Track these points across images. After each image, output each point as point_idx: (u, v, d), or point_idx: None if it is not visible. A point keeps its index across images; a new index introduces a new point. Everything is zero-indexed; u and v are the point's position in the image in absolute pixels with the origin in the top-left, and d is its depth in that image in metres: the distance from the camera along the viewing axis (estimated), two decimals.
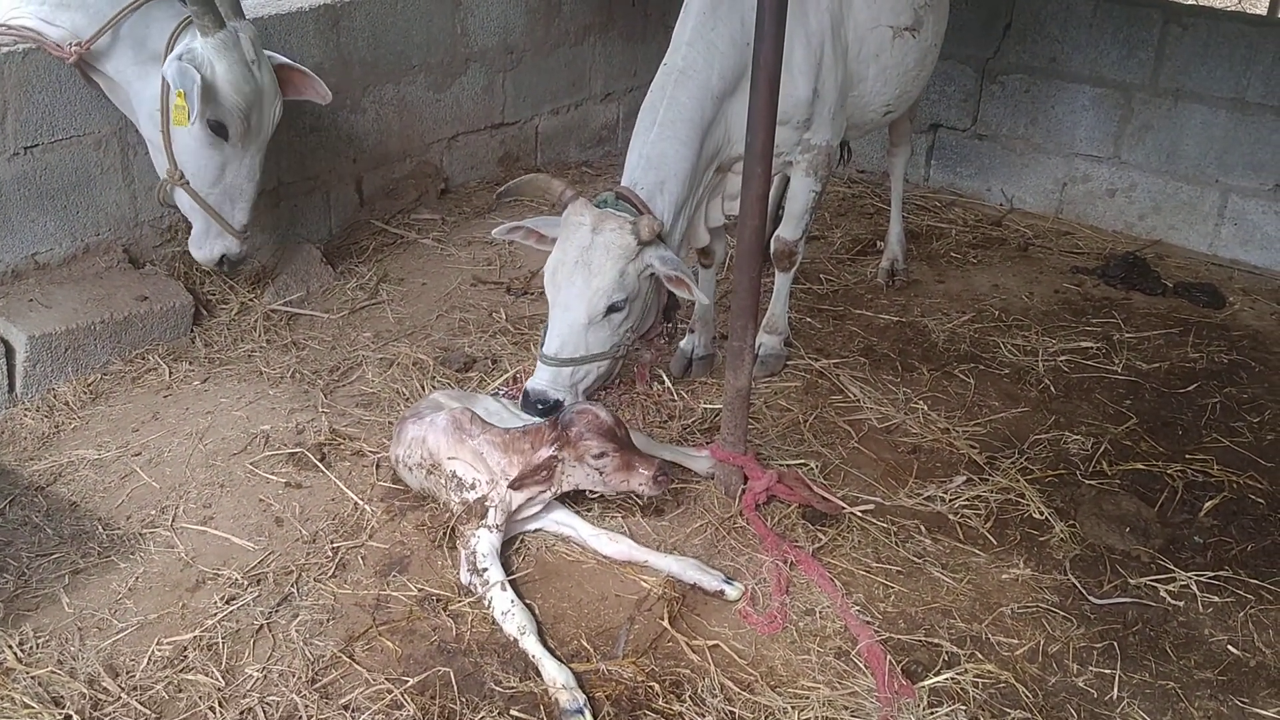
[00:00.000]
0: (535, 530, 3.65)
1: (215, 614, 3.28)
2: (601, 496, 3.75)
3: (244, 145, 4.10)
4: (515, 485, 3.42)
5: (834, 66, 4.20)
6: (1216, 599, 3.52)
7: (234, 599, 3.35)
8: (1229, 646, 3.35)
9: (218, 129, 4.05)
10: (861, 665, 3.18)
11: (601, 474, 3.45)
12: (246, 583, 3.41)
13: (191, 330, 4.71)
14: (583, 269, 3.70)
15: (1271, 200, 5.84)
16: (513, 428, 3.59)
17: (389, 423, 4.14)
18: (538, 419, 3.67)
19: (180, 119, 3.95)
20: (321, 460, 3.97)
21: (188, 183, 4.22)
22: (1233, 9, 6.18)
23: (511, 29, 6.32)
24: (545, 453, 3.43)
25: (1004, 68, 6.45)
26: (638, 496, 3.67)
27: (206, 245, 4.40)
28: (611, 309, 3.75)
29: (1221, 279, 5.76)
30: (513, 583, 3.37)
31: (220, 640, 3.19)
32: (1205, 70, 5.86)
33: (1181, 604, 3.50)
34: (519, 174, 6.36)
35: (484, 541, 3.41)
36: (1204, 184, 6.02)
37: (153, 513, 3.70)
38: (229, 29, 3.99)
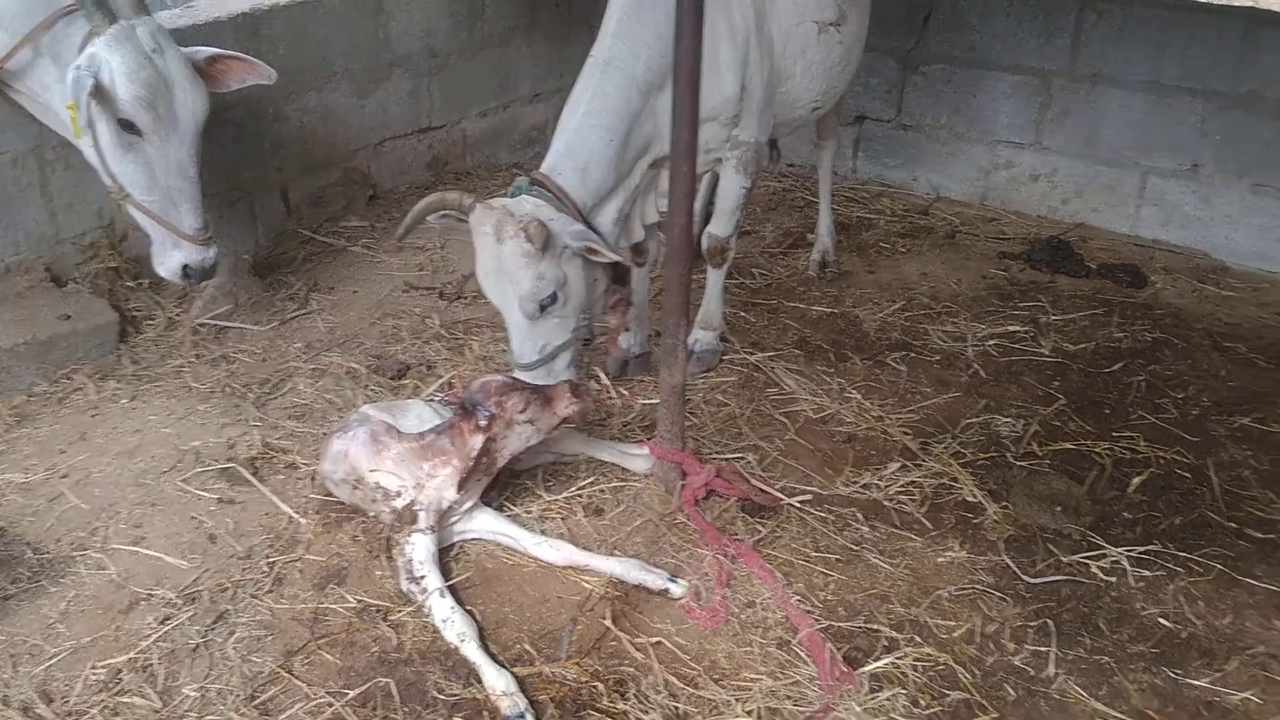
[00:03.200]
0: (473, 539, 3.63)
1: (150, 635, 3.23)
2: (538, 498, 3.76)
3: (162, 138, 3.99)
4: (464, 485, 3.43)
5: (760, 63, 4.23)
6: (1147, 573, 3.60)
7: (169, 619, 3.30)
8: (1160, 619, 3.42)
9: (127, 126, 3.95)
10: (803, 654, 3.21)
11: (534, 424, 3.51)
12: (181, 602, 3.36)
13: (118, 348, 4.63)
14: (503, 277, 3.74)
15: (1189, 180, 5.97)
16: (426, 430, 3.57)
17: (322, 434, 4.10)
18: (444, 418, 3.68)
19: (77, 131, 3.87)
20: (254, 474, 3.92)
21: (130, 196, 4.13)
22: None
23: (435, 33, 6.28)
24: (478, 441, 3.43)
25: (925, 58, 6.53)
26: (571, 422, 3.67)
27: (166, 258, 4.29)
28: (544, 305, 3.77)
29: (1143, 259, 5.88)
30: (452, 589, 3.35)
31: (156, 661, 3.14)
32: (1121, 55, 5.97)
33: (1113, 579, 3.57)
34: (448, 178, 6.41)
35: (419, 548, 3.39)
36: (1124, 166, 6.13)
37: (83, 535, 3.64)
38: (122, 24, 3.91)
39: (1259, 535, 3.79)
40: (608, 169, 3.94)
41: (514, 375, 3.73)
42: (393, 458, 3.51)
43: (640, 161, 4.10)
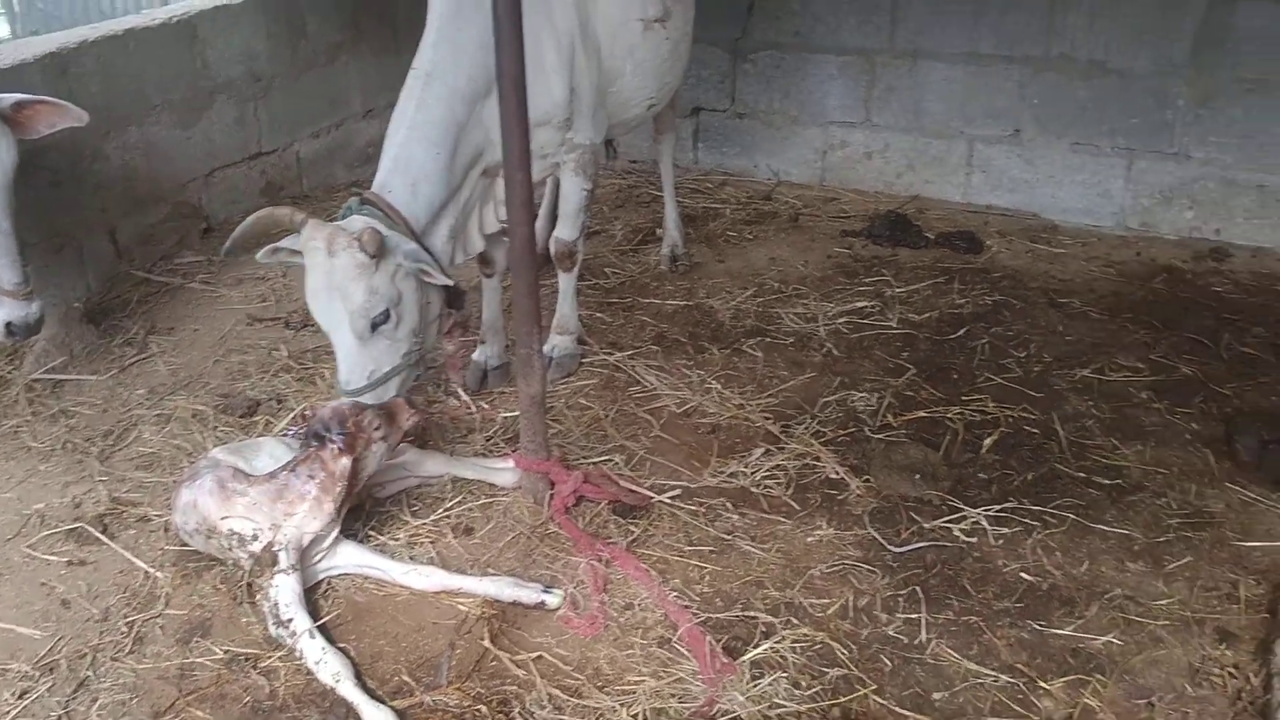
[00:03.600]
0: (340, 575, 3.55)
1: (8, 712, 3.06)
2: (405, 524, 3.70)
3: None
4: (339, 508, 3.38)
5: (588, 65, 4.22)
6: (1006, 530, 3.71)
7: (26, 693, 3.13)
8: (1022, 574, 3.53)
9: None
10: (684, 650, 3.22)
11: (386, 441, 3.50)
12: (38, 674, 3.20)
13: None
14: (334, 294, 3.62)
15: (1012, 144, 6.20)
16: (276, 470, 3.47)
17: (172, 482, 3.95)
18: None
19: None
20: (104, 532, 3.76)
21: None
22: None
23: (256, 56, 6.12)
24: (345, 462, 3.37)
25: (753, 46, 6.63)
26: (412, 435, 3.68)
27: None
28: (376, 323, 3.67)
29: (978, 225, 6.08)
30: (323, 628, 3.27)
31: None
32: (939, 28, 6.16)
33: (974, 540, 3.68)
34: (285, 203, 6.20)
35: (283, 590, 3.29)
36: (950, 137, 6.34)
37: None
38: None
39: (1106, 482, 3.95)
40: (438, 183, 3.88)
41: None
42: (244, 503, 3.40)
43: (472, 171, 4.05)
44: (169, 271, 5.62)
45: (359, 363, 3.72)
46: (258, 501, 3.38)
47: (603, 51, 4.34)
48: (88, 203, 5.27)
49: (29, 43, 5.10)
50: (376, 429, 3.44)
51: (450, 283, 3.82)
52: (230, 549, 3.43)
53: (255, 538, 3.37)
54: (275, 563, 3.33)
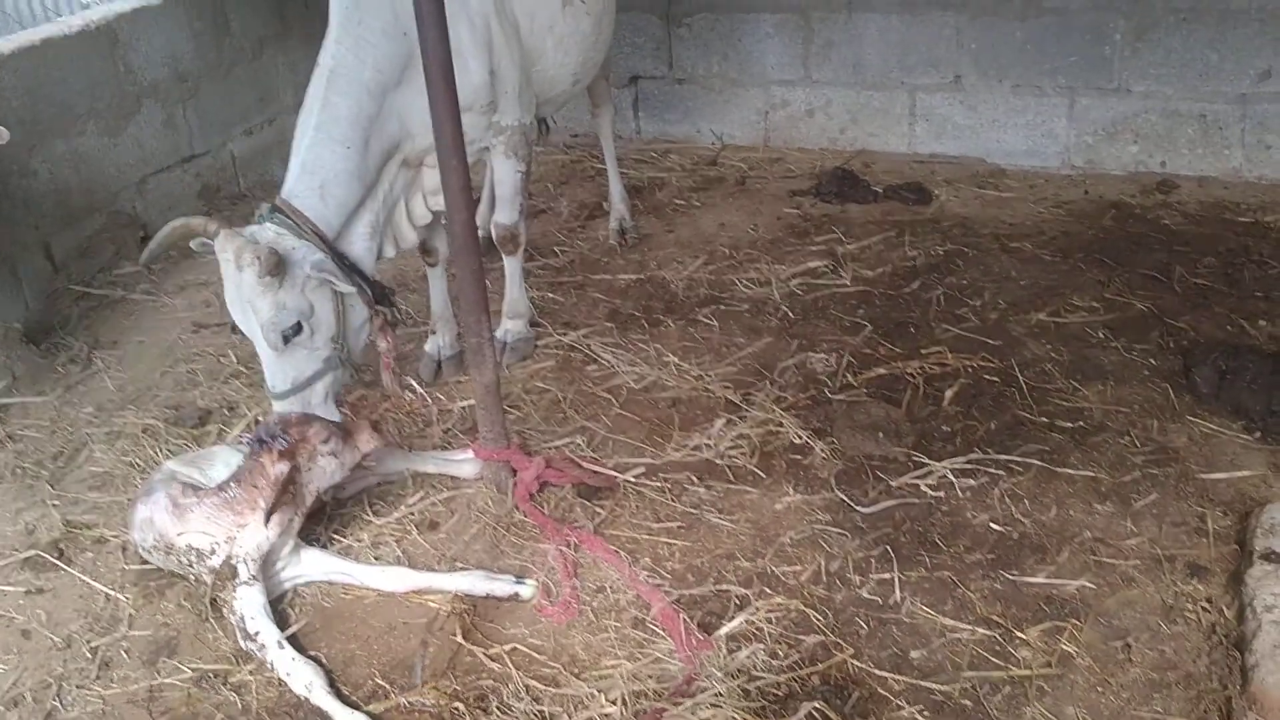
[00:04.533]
0: (307, 583, 3.49)
1: None
2: (368, 524, 3.65)
3: None
4: (270, 516, 3.26)
5: (506, 45, 4.13)
6: (972, 482, 3.71)
7: None
8: (991, 525, 3.53)
9: None
10: (659, 630, 3.19)
11: (336, 456, 3.41)
12: (3, 709, 3.13)
13: None
14: (245, 306, 3.56)
15: (954, 91, 6.17)
16: (224, 480, 3.40)
17: (127, 500, 3.87)
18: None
19: None
20: (60, 557, 3.67)
21: None
22: None
23: (180, 57, 5.97)
24: (282, 468, 3.28)
25: (686, 10, 6.55)
26: (370, 458, 3.58)
27: None
28: (288, 336, 3.60)
29: (925, 175, 6.06)
30: (292, 637, 3.22)
31: None
32: None
33: (942, 494, 3.67)
34: (223, 205, 6.11)
35: (247, 602, 3.23)
36: (891, 88, 6.30)
37: None
38: None
39: (1069, 425, 3.95)
40: (349, 182, 3.78)
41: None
42: (197, 517, 3.33)
43: (388, 165, 3.96)
44: (109, 284, 5.50)
45: (280, 369, 3.68)
46: (210, 514, 3.32)
47: (521, 31, 4.24)
48: (19, 219, 5.14)
49: None
50: (324, 441, 3.36)
51: (350, 289, 3.72)
52: (190, 565, 3.37)
53: (213, 552, 3.31)
54: (235, 575, 3.26)
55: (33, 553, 3.70)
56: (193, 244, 3.69)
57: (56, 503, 3.96)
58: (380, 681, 3.12)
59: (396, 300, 4.19)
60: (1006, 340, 4.48)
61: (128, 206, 5.72)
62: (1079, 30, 5.81)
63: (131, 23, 5.70)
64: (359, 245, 3.89)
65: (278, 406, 3.70)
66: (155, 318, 5.22)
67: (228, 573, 3.27)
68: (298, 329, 3.61)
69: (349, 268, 3.79)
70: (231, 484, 3.35)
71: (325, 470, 3.39)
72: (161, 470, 3.63)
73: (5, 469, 4.17)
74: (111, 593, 3.51)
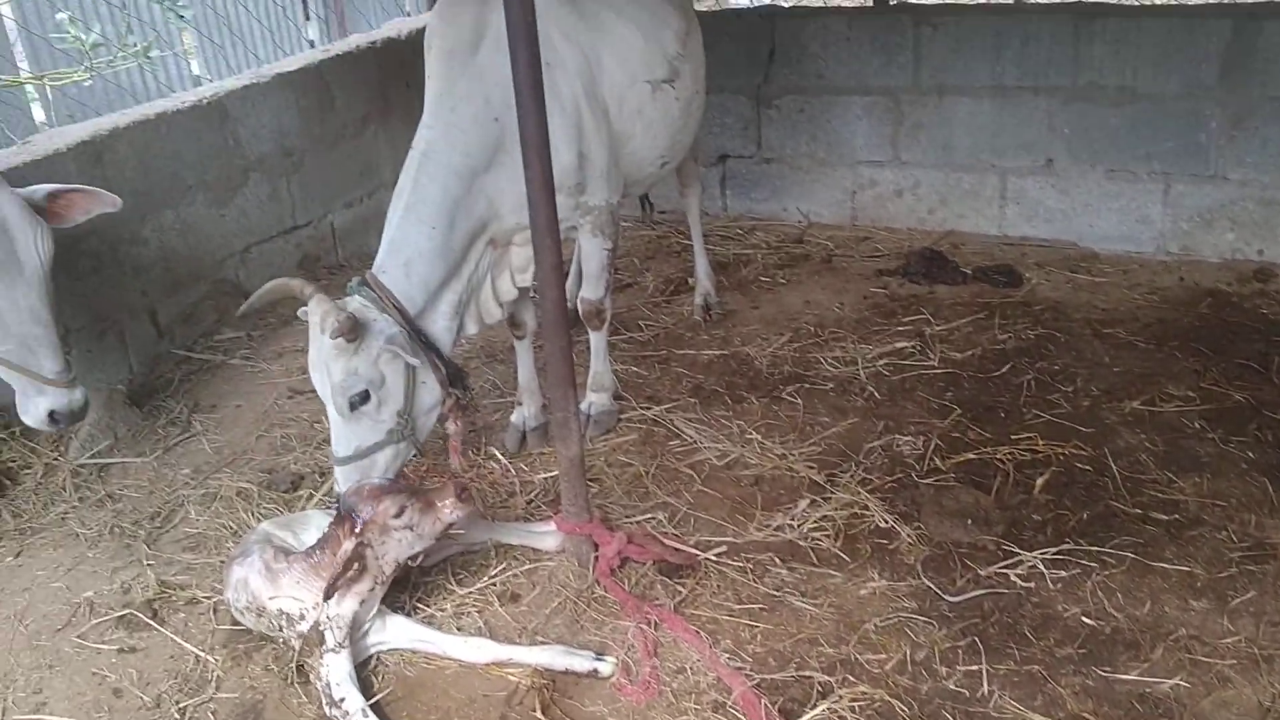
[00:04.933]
0: (391, 650, 3.52)
1: None
2: (451, 594, 3.67)
3: (6, 286, 3.83)
4: (329, 594, 3.29)
5: (597, 128, 4.23)
6: (1064, 573, 3.63)
7: None
8: (1083, 618, 3.45)
9: None
10: (739, 714, 3.15)
11: (413, 529, 3.38)
12: None
13: None
14: (322, 369, 3.67)
15: (1046, 175, 6.14)
16: (308, 547, 3.46)
17: (220, 563, 3.96)
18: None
19: None
20: (153, 617, 3.75)
21: None
22: (979, 1, 6.48)
23: (287, 132, 6.20)
24: (348, 546, 3.32)
25: (776, 92, 6.64)
26: (456, 528, 3.55)
27: (30, 406, 4.08)
28: (354, 403, 3.68)
29: (1015, 257, 6.01)
30: (375, 706, 3.24)
31: None
32: (962, 64, 6.14)
33: (1032, 585, 3.60)
34: (321, 275, 6.28)
35: (334, 669, 3.27)
36: (982, 170, 6.29)
37: None
38: None
39: (1164, 517, 3.86)
40: (434, 261, 3.89)
41: (390, 480, 3.62)
42: (287, 581, 3.39)
43: (475, 245, 4.06)
44: (210, 349, 5.67)
45: (345, 435, 3.76)
46: (299, 579, 3.38)
47: (611, 114, 4.34)
48: (128, 285, 5.34)
49: (63, 131, 5.18)
50: (395, 516, 3.35)
51: (417, 363, 3.78)
52: (280, 628, 3.42)
53: (302, 617, 3.36)
54: (323, 641, 3.31)
55: (127, 611, 3.79)
56: (299, 312, 3.82)
57: (152, 562, 4.06)
58: None
59: (470, 384, 4.27)
60: (1099, 428, 4.40)
61: (231, 275, 5.92)
62: (1174, 117, 5.77)
63: (242, 99, 5.94)
64: (440, 324, 3.99)
65: (338, 471, 3.78)
66: (253, 383, 5.37)
67: (315, 638, 3.32)
68: (365, 397, 3.69)
69: (426, 345, 3.88)
70: (316, 550, 3.41)
71: (402, 542, 3.39)
72: (257, 532, 3.71)
73: (104, 528, 4.29)
74: (201, 654, 3.58)
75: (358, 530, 3.32)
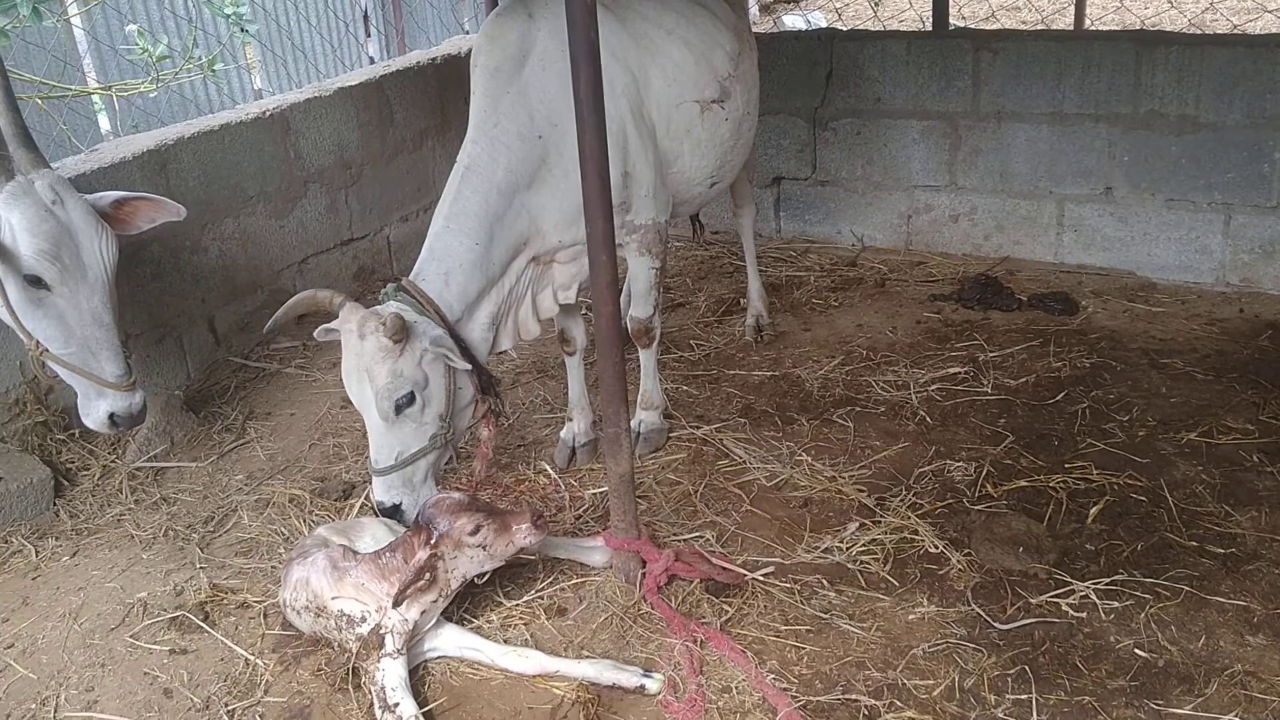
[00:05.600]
0: (439, 657, 3.54)
1: None
2: (499, 605, 3.68)
3: (71, 290, 3.92)
4: (399, 600, 3.33)
5: (643, 147, 4.24)
6: (1116, 604, 3.58)
7: None
8: (1136, 650, 3.39)
9: (35, 282, 3.88)
10: None
11: (485, 548, 3.42)
12: None
13: (54, 503, 4.51)
14: (364, 374, 3.69)
15: (1105, 203, 6.08)
16: (381, 549, 3.50)
17: (271, 568, 4.01)
18: (399, 535, 3.65)
19: None
20: (205, 620, 3.80)
21: (47, 350, 4.05)
22: (1039, 28, 6.45)
23: (346, 145, 6.29)
24: (423, 555, 3.35)
25: (832, 114, 6.63)
26: (528, 552, 3.59)
27: (91, 409, 4.18)
28: (401, 405, 3.71)
29: (1071, 285, 5.95)
30: (425, 714, 3.26)
31: None
32: (1021, 89, 6.11)
33: (1084, 615, 3.55)
34: (377, 287, 6.34)
35: (390, 674, 3.30)
36: (1039, 197, 6.24)
37: (33, 706, 3.49)
38: (19, 179, 3.87)
39: (1220, 551, 3.79)
40: (471, 273, 3.93)
41: (466, 495, 3.63)
42: (353, 583, 3.43)
43: (516, 261, 4.09)
44: (265, 358, 5.75)
45: (386, 443, 3.78)
46: (365, 581, 3.41)
47: (658, 133, 4.35)
48: (188, 293, 5.44)
49: (129, 140, 5.30)
50: (470, 534, 3.39)
51: (467, 367, 3.83)
52: (338, 629, 3.46)
53: (363, 619, 3.40)
54: (382, 645, 3.34)
55: (179, 613, 3.84)
56: (316, 333, 3.88)
57: (204, 566, 4.11)
58: None
59: (502, 392, 4.29)
60: (1155, 459, 4.34)
61: (288, 285, 6.00)
62: (1236, 147, 5.69)
63: (304, 112, 6.04)
64: (476, 334, 4.02)
65: (377, 482, 3.81)
66: (307, 392, 5.43)
67: (375, 642, 3.35)
68: (410, 399, 3.72)
69: (463, 350, 3.92)
70: (387, 553, 3.44)
71: (473, 559, 3.43)
72: (313, 536, 3.76)
73: (159, 530, 4.36)
74: (251, 657, 3.62)
75: (433, 542, 3.35)
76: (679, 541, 4.00)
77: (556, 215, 4.08)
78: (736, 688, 3.34)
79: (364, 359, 3.67)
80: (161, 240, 5.17)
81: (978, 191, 6.39)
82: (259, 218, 5.80)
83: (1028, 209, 6.29)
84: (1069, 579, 3.69)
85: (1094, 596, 3.60)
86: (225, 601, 3.90)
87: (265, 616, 3.80)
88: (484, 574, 3.53)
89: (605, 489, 4.23)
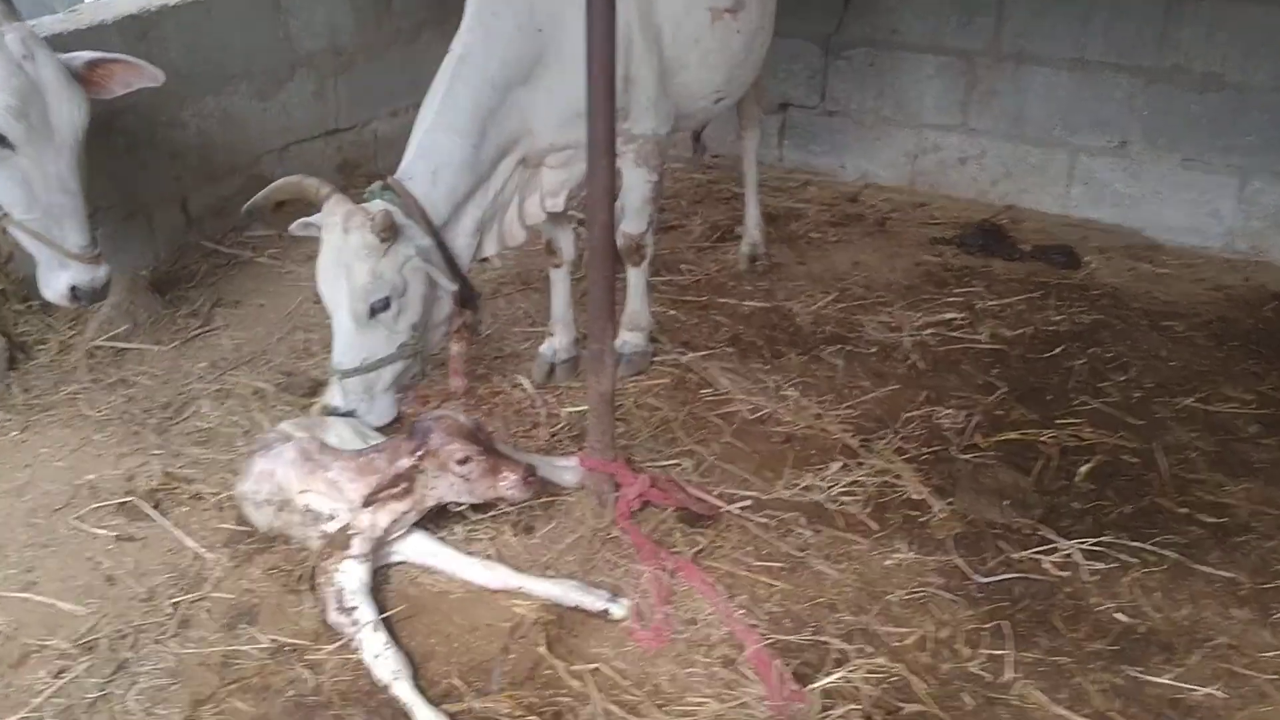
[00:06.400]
0: (399, 563, 3.40)
1: (43, 690, 2.98)
2: (462, 517, 3.54)
3: (37, 150, 3.70)
4: (370, 501, 3.18)
5: (647, 52, 4.01)
6: (1100, 565, 3.46)
7: (63, 672, 3.04)
8: (1117, 614, 3.28)
9: None
10: (750, 673, 3.02)
11: (467, 481, 3.26)
12: (77, 652, 3.10)
13: (7, 375, 4.35)
14: (340, 270, 3.54)
15: (1118, 157, 5.89)
16: (365, 449, 3.35)
17: (229, 460, 3.85)
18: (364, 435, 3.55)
19: None
20: (155, 507, 3.65)
21: (7, 215, 3.83)
22: None
23: (339, 30, 6.02)
24: (405, 462, 3.20)
25: (847, 42, 6.39)
26: (507, 503, 3.45)
27: (51, 280, 3.97)
28: (375, 309, 3.56)
29: (1076, 239, 5.79)
30: (383, 622, 3.12)
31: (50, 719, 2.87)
32: (1045, 31, 5.88)
33: (1066, 574, 3.43)
34: (360, 182, 6.08)
35: (351, 576, 3.17)
36: (1052, 146, 6.05)
37: None
38: None
39: (1210, 520, 3.67)
40: (460, 172, 3.75)
41: (471, 419, 3.44)
42: (326, 479, 3.28)
43: (504, 161, 3.90)
44: (239, 244, 5.54)
45: (352, 345, 3.64)
46: (338, 480, 3.26)
47: (664, 39, 4.11)
48: (162, 170, 5.21)
49: (109, 4, 5.02)
50: (460, 462, 3.23)
51: (453, 288, 3.69)
52: (301, 524, 3.32)
53: (331, 517, 3.26)
54: (347, 547, 3.19)
55: (129, 499, 3.69)
56: (292, 227, 3.72)
57: (159, 452, 3.95)
58: (456, 682, 3.01)
59: (481, 305, 4.12)
60: (1150, 421, 4.21)
61: (268, 171, 5.74)
62: (1259, 110, 5.50)
63: None
64: (461, 240, 3.86)
65: (335, 385, 3.68)
66: (279, 283, 5.24)
67: (341, 542, 3.21)
68: (385, 304, 3.58)
69: (447, 259, 3.75)
70: (371, 453, 3.29)
71: (452, 487, 3.28)
72: (277, 430, 3.60)
73: (115, 412, 4.19)
74: (201, 550, 3.48)
75: (419, 454, 3.20)
76: (655, 468, 3.86)
77: (550, 115, 3.87)
78: (703, 621, 3.23)
79: (344, 254, 3.50)
80: (137, 111, 4.92)
81: (989, 135, 6.18)
82: (242, 97, 5.55)
83: (1039, 157, 6.09)
84: (1054, 536, 3.57)
85: (1078, 556, 3.49)
86: (178, 491, 3.75)
87: (220, 509, 3.65)
88: (460, 504, 3.39)
89: (583, 408, 4.05)
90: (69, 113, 3.76)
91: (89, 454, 3.95)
